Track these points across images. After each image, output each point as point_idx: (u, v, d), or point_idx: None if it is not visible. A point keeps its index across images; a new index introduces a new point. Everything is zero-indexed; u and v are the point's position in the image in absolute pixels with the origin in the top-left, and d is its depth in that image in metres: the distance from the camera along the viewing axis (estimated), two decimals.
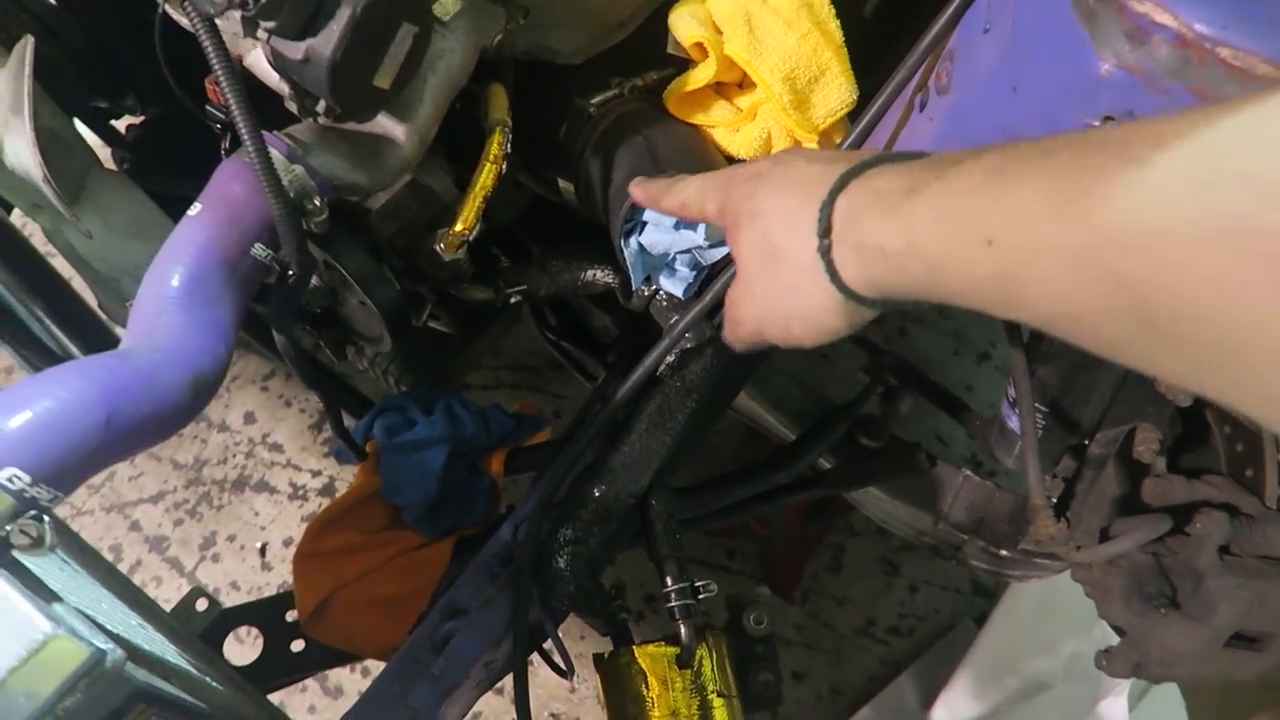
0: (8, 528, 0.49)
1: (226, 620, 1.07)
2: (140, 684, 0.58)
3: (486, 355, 1.84)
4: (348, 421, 1.20)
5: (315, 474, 1.77)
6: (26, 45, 0.70)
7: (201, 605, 1.02)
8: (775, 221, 0.59)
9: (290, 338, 0.73)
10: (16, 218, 1.06)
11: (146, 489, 1.75)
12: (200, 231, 0.63)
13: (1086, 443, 0.97)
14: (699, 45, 0.84)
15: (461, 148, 0.85)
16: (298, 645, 1.08)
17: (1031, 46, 0.63)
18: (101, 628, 0.52)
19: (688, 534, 0.89)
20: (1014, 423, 0.98)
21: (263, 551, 1.71)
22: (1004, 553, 1.19)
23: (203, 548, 1.71)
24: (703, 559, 1.73)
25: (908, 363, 1.29)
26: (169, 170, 0.99)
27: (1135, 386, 0.91)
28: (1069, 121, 0.62)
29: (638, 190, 0.72)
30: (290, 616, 1.10)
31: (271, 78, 0.69)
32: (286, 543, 1.71)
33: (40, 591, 0.50)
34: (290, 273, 0.67)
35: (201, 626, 1.01)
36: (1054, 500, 0.95)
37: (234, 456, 1.78)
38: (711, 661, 0.84)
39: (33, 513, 0.50)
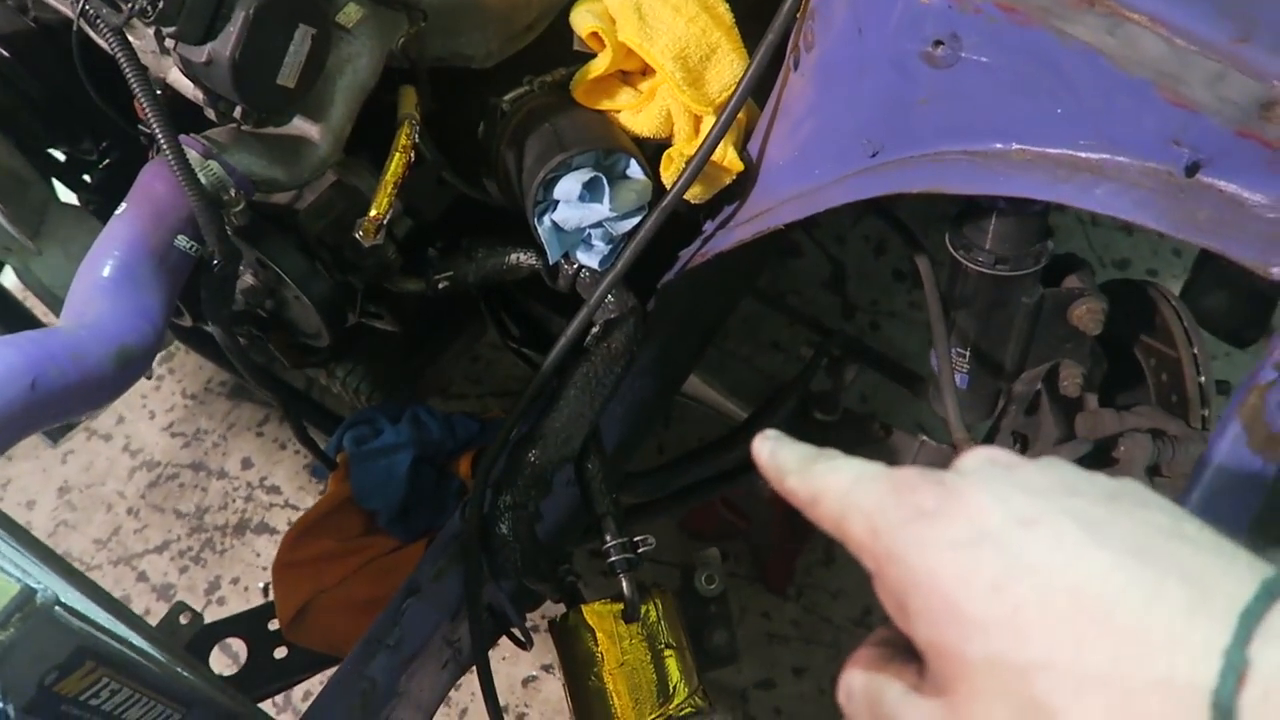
0: None
1: (211, 633, 1.11)
2: (86, 639, 0.62)
3: (469, 382, 1.89)
4: (321, 442, 1.25)
5: None
6: None
7: (185, 619, 1.06)
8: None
9: (228, 331, 0.79)
10: None
11: (151, 540, 1.81)
12: (127, 227, 0.70)
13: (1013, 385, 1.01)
14: (595, 35, 0.90)
15: (384, 155, 0.91)
16: (281, 653, 1.12)
17: None
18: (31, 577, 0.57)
19: (660, 521, 0.93)
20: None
21: (266, 591, 1.75)
22: None
23: (208, 592, 1.76)
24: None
25: (857, 339, 1.33)
26: None
27: (1049, 323, 0.95)
28: (907, 50, 0.67)
29: (763, 448, 0.47)
30: (273, 625, 1.14)
31: (190, 89, 0.76)
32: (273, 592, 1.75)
33: None
34: (215, 262, 0.73)
35: (186, 639, 1.05)
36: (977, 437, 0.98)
37: (234, 502, 1.84)
38: (657, 613, 0.87)
39: None
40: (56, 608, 0.57)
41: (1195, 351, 0.98)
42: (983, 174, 0.67)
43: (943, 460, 1.25)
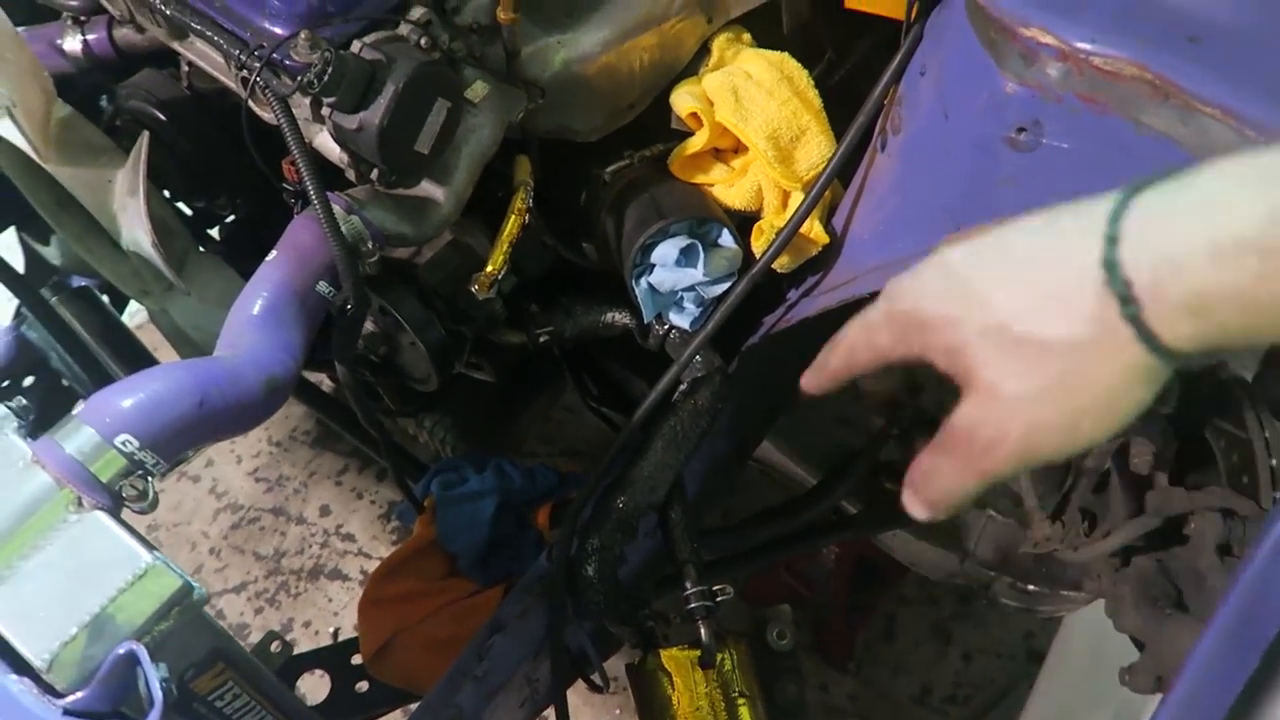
0: (120, 483, 0.61)
1: (297, 664, 1.16)
2: (223, 640, 0.68)
3: (540, 442, 1.95)
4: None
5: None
6: (143, 140, 0.88)
7: (275, 647, 1.12)
8: (1026, 311, 0.48)
9: (351, 370, 0.86)
10: None
11: (230, 579, 1.88)
12: (276, 271, 0.78)
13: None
14: (694, 115, 0.98)
15: (496, 217, 0.99)
16: (362, 687, 1.17)
17: (954, 78, 0.75)
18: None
19: (730, 576, 0.97)
20: None
21: (335, 636, 1.80)
22: (1032, 588, 1.23)
23: (280, 634, 1.81)
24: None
25: (925, 412, 1.36)
26: (254, 257, 1.16)
27: None
28: (991, 134, 0.73)
29: (808, 380, 0.63)
30: (355, 660, 1.19)
31: (334, 153, 0.84)
32: (357, 628, 1.80)
33: (139, 538, 0.62)
34: (349, 306, 0.81)
35: (274, 667, 1.11)
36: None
37: (310, 547, 1.91)
38: (733, 662, 0.91)
39: (140, 473, 0.62)
40: (205, 607, 0.63)
41: (1267, 435, 1.00)
42: None
43: (1009, 536, 1.27)
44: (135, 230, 0.89)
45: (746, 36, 1.05)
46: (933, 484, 0.55)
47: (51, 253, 1.29)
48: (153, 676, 0.53)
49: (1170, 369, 0.47)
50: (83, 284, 1.35)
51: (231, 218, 1.24)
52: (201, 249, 1.06)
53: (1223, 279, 0.43)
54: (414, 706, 1.27)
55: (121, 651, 0.54)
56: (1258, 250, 0.42)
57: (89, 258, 1.15)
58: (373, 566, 1.88)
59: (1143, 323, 0.45)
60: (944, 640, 1.73)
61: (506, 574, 1.23)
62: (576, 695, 1.24)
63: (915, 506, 0.57)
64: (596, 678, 0.96)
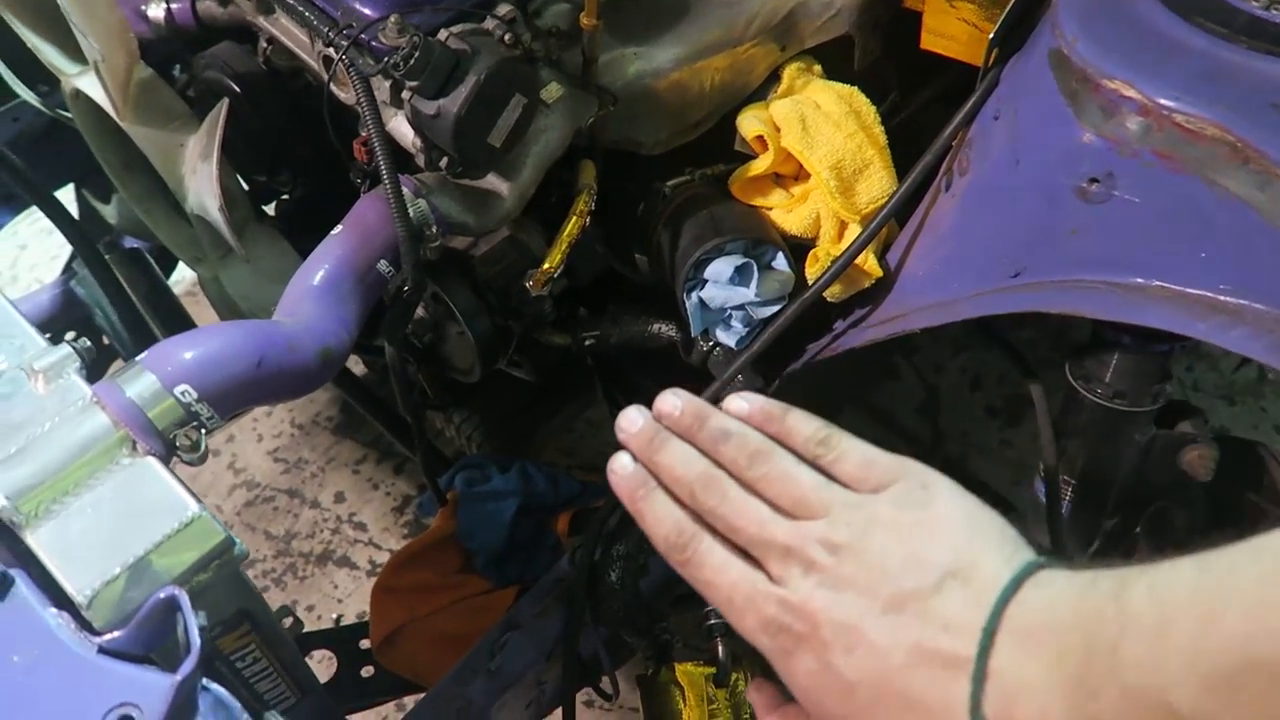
0: (175, 432, 0.62)
1: (305, 641, 1.16)
2: (253, 602, 0.69)
3: (560, 453, 1.95)
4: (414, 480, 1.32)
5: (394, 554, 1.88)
6: (222, 106, 0.89)
7: (287, 623, 1.12)
8: (874, 638, 0.50)
9: (400, 352, 0.87)
10: None
11: None
12: (340, 245, 0.79)
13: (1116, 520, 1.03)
14: (760, 139, 0.99)
15: (553, 218, 1.00)
16: (368, 672, 1.17)
17: (1030, 125, 0.76)
18: None
19: None
20: (1044, 496, 1.04)
21: (337, 623, 1.80)
22: None
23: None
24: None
25: (955, 463, 1.36)
26: (306, 235, 1.17)
27: (1158, 464, 0.98)
28: (1061, 184, 0.73)
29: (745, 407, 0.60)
30: (363, 645, 1.19)
31: (406, 138, 0.86)
32: (360, 616, 1.80)
33: (187, 489, 0.63)
34: (405, 288, 0.82)
35: None
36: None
37: (321, 532, 1.91)
38: (746, 684, 0.90)
39: (195, 424, 0.63)
40: (245, 575, 0.64)
41: None
42: (1122, 304, 0.72)
43: None
44: (204, 194, 0.90)
45: (817, 68, 1.06)
46: None
47: (109, 212, 1.31)
48: (192, 623, 0.53)
49: None
50: (134, 245, 1.37)
51: (288, 195, 1.26)
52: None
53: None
54: (415, 698, 1.27)
55: (162, 596, 0.55)
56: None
57: (147, 220, 1.17)
58: (382, 557, 1.88)
59: None
60: None
61: (520, 576, 1.23)
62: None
63: None
64: (606, 685, 0.96)
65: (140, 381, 0.63)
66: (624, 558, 0.90)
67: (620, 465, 0.60)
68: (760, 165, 0.99)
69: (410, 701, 1.57)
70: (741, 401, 0.60)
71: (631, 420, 0.60)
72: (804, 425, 0.58)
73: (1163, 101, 0.65)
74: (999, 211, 0.80)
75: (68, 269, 1.42)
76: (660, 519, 0.58)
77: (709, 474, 0.57)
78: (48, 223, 1.17)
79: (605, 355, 1.29)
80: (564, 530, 1.26)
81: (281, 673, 0.77)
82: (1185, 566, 0.44)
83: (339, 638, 1.18)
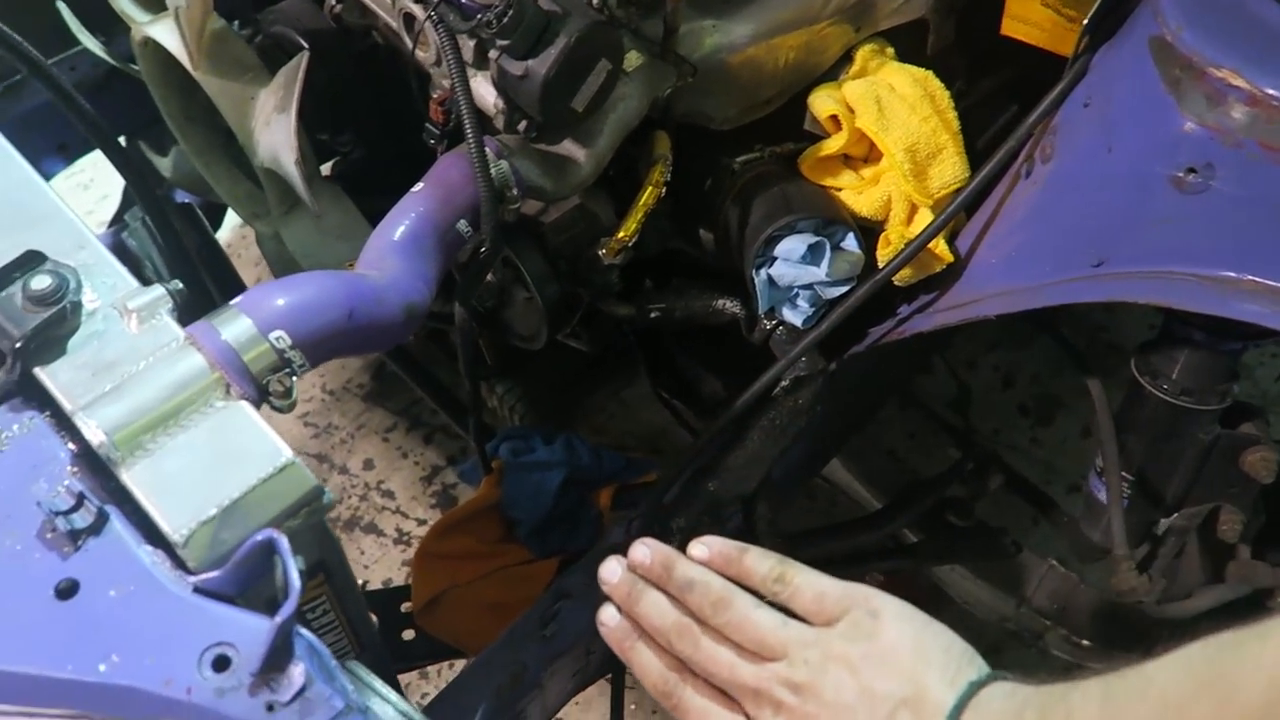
0: (268, 377, 0.62)
1: None
2: (332, 553, 0.69)
3: (591, 431, 1.95)
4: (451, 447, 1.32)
5: (421, 523, 1.88)
6: (302, 59, 0.89)
7: None
8: None
9: (469, 314, 0.87)
10: None
11: None
12: (421, 202, 0.78)
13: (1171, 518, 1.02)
14: (833, 118, 0.98)
15: (623, 190, 1.00)
16: (408, 635, 1.17)
17: (1125, 113, 0.75)
18: None
19: None
20: (1101, 493, 1.04)
21: (363, 589, 1.81)
22: (1086, 643, 1.22)
23: None
24: None
25: (999, 456, 1.36)
26: (363, 197, 1.17)
27: (1219, 464, 0.97)
28: (1156, 172, 0.73)
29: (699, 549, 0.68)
30: (405, 608, 1.19)
31: (485, 100, 0.85)
32: (385, 582, 1.81)
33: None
34: (482, 250, 0.81)
35: None
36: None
37: (349, 498, 1.91)
38: None
39: (287, 370, 0.63)
40: (326, 525, 0.64)
41: None
42: (1210, 296, 0.71)
43: (1069, 586, 1.25)
44: (278, 147, 0.90)
45: (890, 50, 1.06)
46: None
47: (165, 165, 1.30)
48: (292, 567, 0.53)
49: None
50: (185, 200, 1.37)
51: (345, 156, 1.25)
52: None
53: None
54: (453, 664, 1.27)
55: (260, 538, 0.54)
56: None
57: (206, 174, 1.17)
58: (409, 526, 1.89)
59: None
60: None
61: (561, 548, 1.23)
62: (594, 687, 1.25)
63: None
64: None
65: (236, 325, 0.63)
66: (683, 531, 0.90)
67: (608, 617, 0.69)
68: (833, 145, 0.98)
69: (447, 667, 1.58)
70: (701, 548, 0.67)
71: (611, 572, 0.69)
72: (759, 565, 0.66)
73: (1271, 92, 0.65)
74: (1085, 199, 0.79)
75: (117, 221, 1.42)
76: (647, 670, 0.66)
77: (680, 624, 0.64)
78: (82, 178, 1.17)
79: (651, 335, 1.29)
80: (607, 504, 1.26)
81: (346, 626, 0.77)
82: (1093, 694, 0.51)
83: (381, 600, 1.19)
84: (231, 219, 1.75)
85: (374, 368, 2.05)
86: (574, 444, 1.28)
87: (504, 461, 1.24)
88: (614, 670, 0.91)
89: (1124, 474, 0.99)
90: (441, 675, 1.67)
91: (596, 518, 1.25)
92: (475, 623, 1.16)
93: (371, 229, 1.01)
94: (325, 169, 1.27)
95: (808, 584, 0.64)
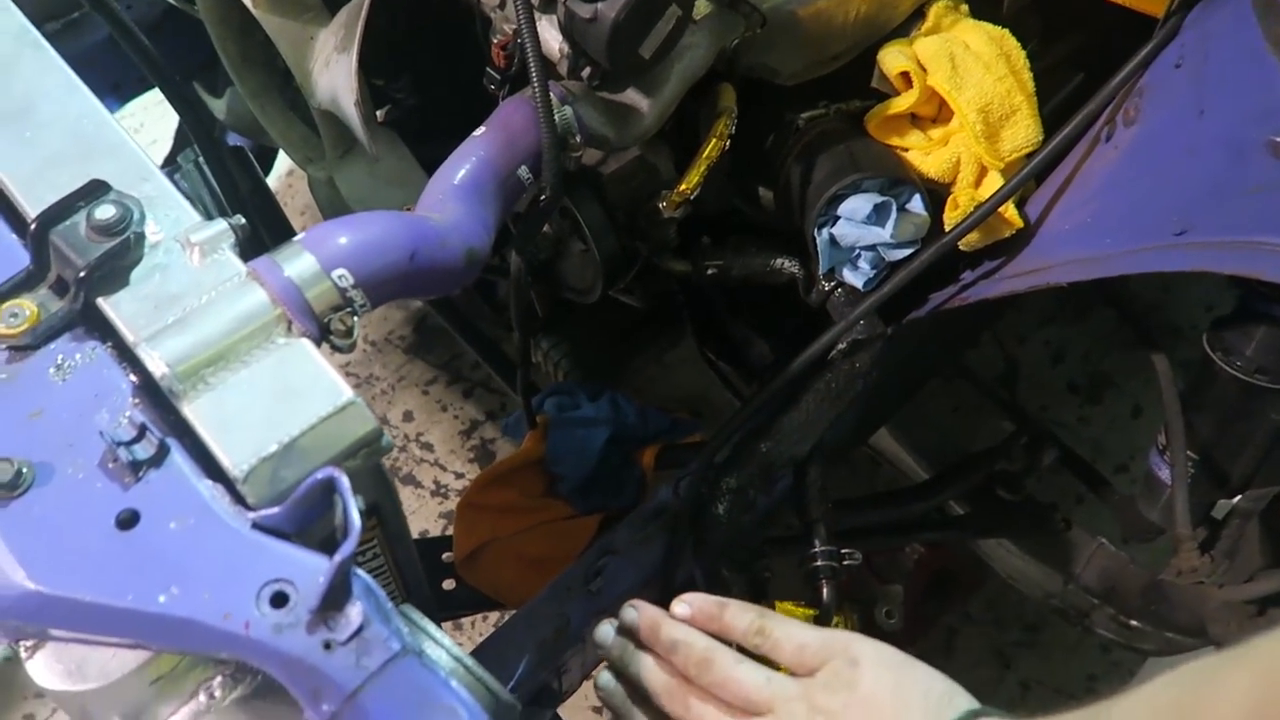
0: (330, 316, 0.61)
1: None
2: (386, 497, 0.68)
3: (632, 395, 1.94)
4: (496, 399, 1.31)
5: (459, 476, 1.89)
6: None
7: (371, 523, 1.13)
8: None
9: (526, 262, 0.85)
10: None
11: None
12: (482, 146, 0.77)
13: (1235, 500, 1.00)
14: (904, 75, 0.95)
15: (684, 142, 0.98)
16: (449, 584, 1.18)
17: (1222, 76, 0.72)
18: None
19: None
20: (1163, 472, 1.01)
21: None
22: (1134, 624, 1.19)
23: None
24: None
25: (1052, 432, 1.33)
26: (414, 145, 1.16)
27: None
28: (1252, 138, 0.69)
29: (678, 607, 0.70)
30: (446, 558, 1.19)
31: (549, 45, 0.83)
32: (422, 534, 1.82)
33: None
34: (543, 197, 0.80)
35: None
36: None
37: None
38: (846, 627, 0.89)
39: (348, 310, 0.62)
40: (383, 470, 0.63)
41: None
42: None
43: (1119, 565, 1.23)
44: (338, 88, 0.89)
45: (964, 7, 1.02)
46: None
47: (219, 107, 1.30)
48: (352, 505, 0.52)
49: None
50: (237, 144, 1.36)
51: (398, 102, 1.24)
52: None
53: None
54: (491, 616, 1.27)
55: (321, 476, 0.54)
56: None
57: (261, 116, 1.16)
58: (446, 479, 1.89)
59: None
60: (1004, 665, 1.70)
61: (603, 505, 1.22)
62: None
63: None
64: None
65: (299, 261, 0.62)
66: (733, 491, 0.88)
67: (605, 682, 0.71)
68: (903, 103, 0.95)
69: (481, 619, 1.59)
70: (683, 606, 0.69)
71: (605, 635, 0.71)
72: (739, 620, 0.67)
73: None
74: (1171, 164, 0.76)
75: (169, 163, 1.42)
76: None
77: (669, 686, 0.66)
78: (132, 121, 1.16)
79: (700, 296, 1.27)
80: (649, 464, 1.25)
81: (394, 572, 0.77)
82: None
83: (422, 550, 1.18)
84: (279, 166, 1.75)
85: (416, 320, 2.05)
86: (619, 402, 1.27)
87: (549, 417, 1.24)
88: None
89: (1189, 453, 0.96)
90: (475, 627, 1.69)
91: (639, 476, 1.24)
92: (515, 575, 1.16)
93: (425, 176, 1.01)
94: (378, 115, 1.26)
95: (787, 637, 0.66)
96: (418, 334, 2.05)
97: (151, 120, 2.03)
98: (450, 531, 1.23)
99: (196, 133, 0.99)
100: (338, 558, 0.51)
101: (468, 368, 1.99)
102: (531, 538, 1.18)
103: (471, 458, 1.91)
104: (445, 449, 1.92)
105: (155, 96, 1.31)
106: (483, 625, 1.67)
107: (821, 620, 0.88)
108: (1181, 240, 0.76)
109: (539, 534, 1.18)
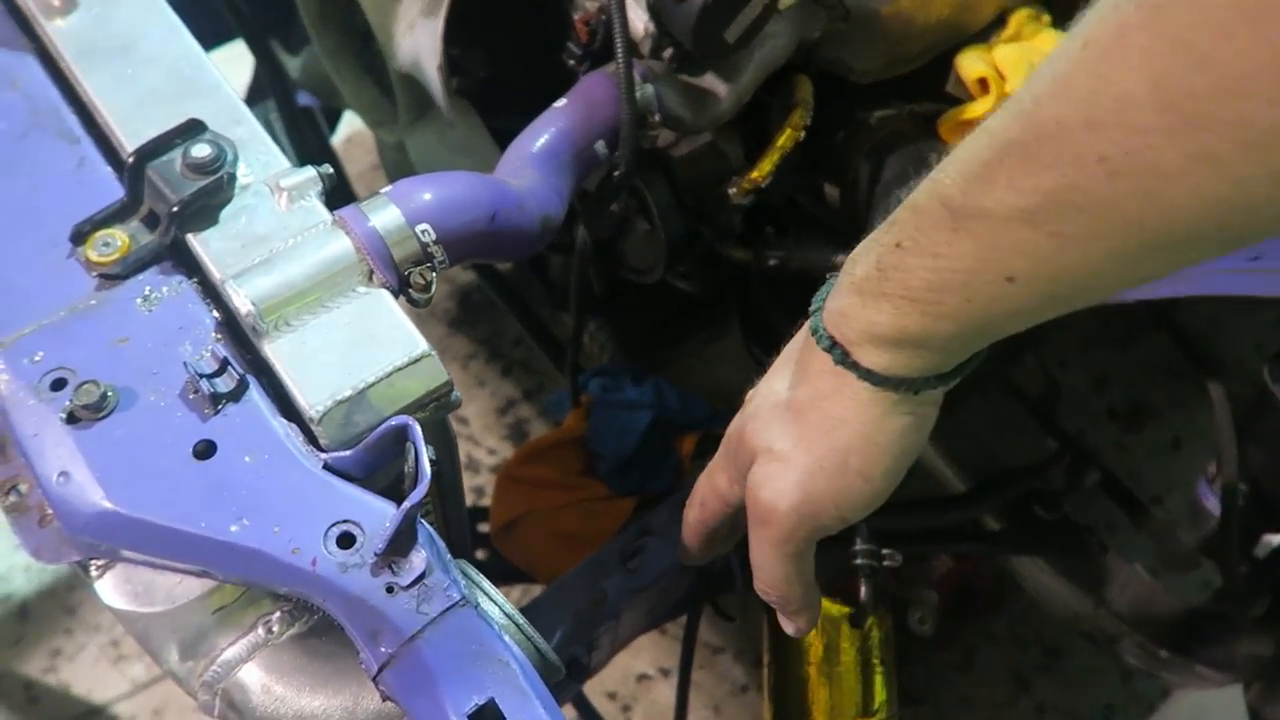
0: (410, 269, 0.62)
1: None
2: (448, 455, 0.69)
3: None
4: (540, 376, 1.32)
5: (491, 452, 1.90)
6: None
7: None
8: (792, 384, 0.60)
9: (594, 236, 0.86)
10: None
11: None
12: (562, 117, 0.78)
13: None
14: (982, 81, 0.95)
15: (755, 132, 0.98)
16: (481, 554, 1.19)
17: None
18: None
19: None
20: (1210, 501, 1.00)
21: None
22: (1164, 653, 1.19)
23: None
24: None
25: (1092, 455, 1.32)
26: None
27: None
28: None
29: (681, 552, 0.76)
30: (481, 528, 1.21)
31: (634, 24, 0.83)
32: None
33: None
34: (616, 172, 0.80)
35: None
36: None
37: None
38: (880, 631, 0.89)
39: (428, 265, 0.63)
40: (450, 425, 0.64)
41: None
42: None
43: (1152, 593, 1.22)
44: (421, 52, 0.90)
45: (1047, 18, 1.01)
46: (758, 573, 0.64)
47: (294, 66, 1.31)
48: (423, 454, 0.53)
49: (919, 395, 0.56)
50: (306, 104, 1.38)
51: (470, 74, 1.25)
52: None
53: (871, 313, 0.53)
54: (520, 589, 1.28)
55: (394, 423, 0.55)
56: (877, 284, 0.53)
57: (335, 77, 1.17)
58: (480, 454, 1.91)
59: (854, 362, 0.55)
60: (1021, 687, 1.69)
61: (639, 488, 1.23)
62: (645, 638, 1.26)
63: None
64: (728, 606, 0.96)
65: (385, 213, 0.63)
66: None
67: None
68: (978, 109, 0.95)
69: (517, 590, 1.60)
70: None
71: None
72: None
73: None
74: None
75: None
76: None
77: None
78: None
79: (748, 288, 1.27)
80: (688, 451, 1.26)
81: (443, 529, 0.78)
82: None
83: None
84: (342, 129, 1.77)
85: (460, 294, 2.07)
86: (663, 387, 1.28)
87: (593, 397, 1.25)
88: (690, 616, 0.91)
89: (1240, 485, 0.95)
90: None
91: (676, 463, 1.25)
92: (548, 550, 1.17)
93: (494, 147, 1.01)
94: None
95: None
96: (461, 308, 2.06)
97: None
98: (480, 504, 1.25)
99: (274, 87, 1.00)
100: (407, 504, 0.52)
101: (508, 345, 2.01)
102: (567, 514, 1.19)
103: (505, 435, 1.92)
104: (480, 424, 1.93)
105: (223, 54, 1.33)
106: (513, 598, 1.69)
107: (857, 617, 0.88)
108: (1255, 265, 0.75)
109: (574, 511, 1.20)
